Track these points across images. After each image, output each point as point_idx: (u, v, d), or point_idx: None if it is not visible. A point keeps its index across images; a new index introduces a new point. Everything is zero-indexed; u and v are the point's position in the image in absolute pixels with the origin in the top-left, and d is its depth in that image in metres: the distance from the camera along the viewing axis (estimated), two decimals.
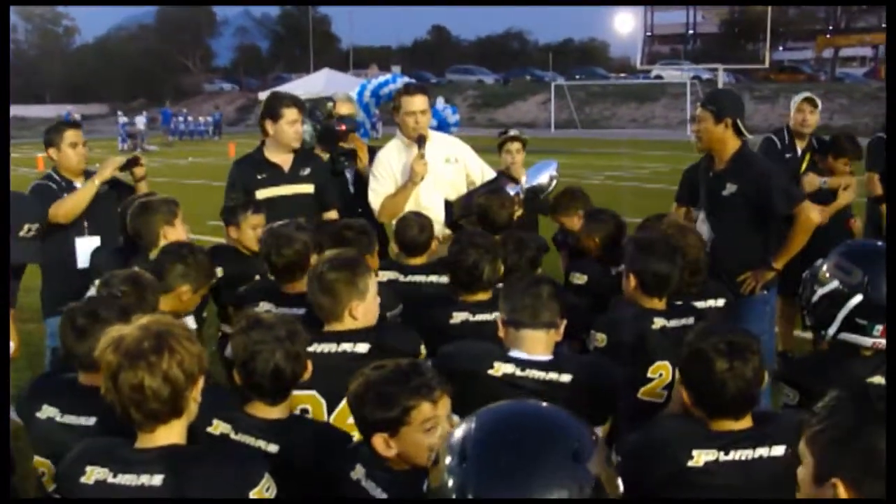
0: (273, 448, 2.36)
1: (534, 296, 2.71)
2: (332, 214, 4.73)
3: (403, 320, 3.56)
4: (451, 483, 1.36)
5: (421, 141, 4.69)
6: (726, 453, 2.16)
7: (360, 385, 2.07)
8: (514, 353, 2.72)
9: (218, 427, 2.42)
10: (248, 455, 2.22)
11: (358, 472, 2.12)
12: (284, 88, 33.50)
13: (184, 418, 2.06)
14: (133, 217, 3.83)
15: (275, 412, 2.42)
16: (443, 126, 21.45)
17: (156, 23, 68.58)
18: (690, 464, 2.15)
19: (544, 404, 1.53)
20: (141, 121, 35.54)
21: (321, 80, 33.32)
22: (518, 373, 2.67)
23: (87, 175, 4.76)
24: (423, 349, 2.97)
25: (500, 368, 2.68)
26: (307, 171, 4.73)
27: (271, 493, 2.05)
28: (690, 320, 3.16)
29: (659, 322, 3.14)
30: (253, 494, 2.00)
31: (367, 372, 2.09)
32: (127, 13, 73.98)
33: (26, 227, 4.14)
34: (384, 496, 2.03)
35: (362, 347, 2.79)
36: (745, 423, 2.24)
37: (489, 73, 57.24)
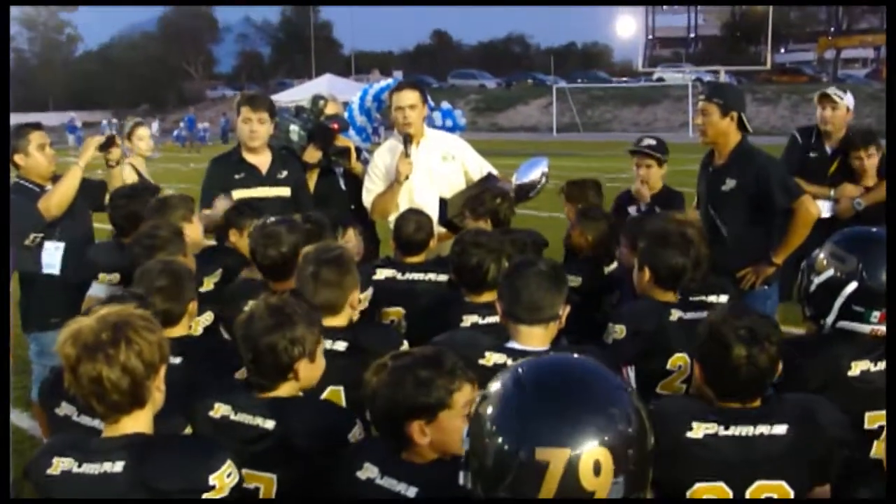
0: (270, 424, 2.35)
1: (532, 291, 2.65)
2: None
3: (410, 322, 3.52)
4: (510, 416, 1.38)
5: (407, 140, 4.68)
6: (726, 428, 2.16)
7: (391, 373, 2.01)
8: (508, 344, 2.70)
9: (219, 410, 2.41)
10: (210, 442, 2.23)
11: (368, 472, 2.05)
12: (286, 94, 33.67)
13: (148, 408, 2.05)
14: (151, 214, 3.80)
15: (276, 392, 2.42)
16: (453, 128, 21.36)
17: (158, 30, 68.80)
18: (689, 435, 2.15)
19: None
20: (155, 126, 35.57)
21: (323, 85, 33.24)
22: (510, 363, 2.60)
23: (56, 180, 4.37)
24: (405, 346, 2.89)
25: (492, 358, 2.66)
26: (284, 173, 4.68)
27: (233, 479, 2.02)
28: (704, 314, 3.12)
29: (676, 313, 3.11)
30: (213, 479, 1.98)
31: (390, 361, 2.05)
32: (129, 20, 74.31)
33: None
34: (414, 490, 1.95)
35: (340, 346, 2.78)
36: (753, 404, 2.24)
37: (491, 77, 57.25)
